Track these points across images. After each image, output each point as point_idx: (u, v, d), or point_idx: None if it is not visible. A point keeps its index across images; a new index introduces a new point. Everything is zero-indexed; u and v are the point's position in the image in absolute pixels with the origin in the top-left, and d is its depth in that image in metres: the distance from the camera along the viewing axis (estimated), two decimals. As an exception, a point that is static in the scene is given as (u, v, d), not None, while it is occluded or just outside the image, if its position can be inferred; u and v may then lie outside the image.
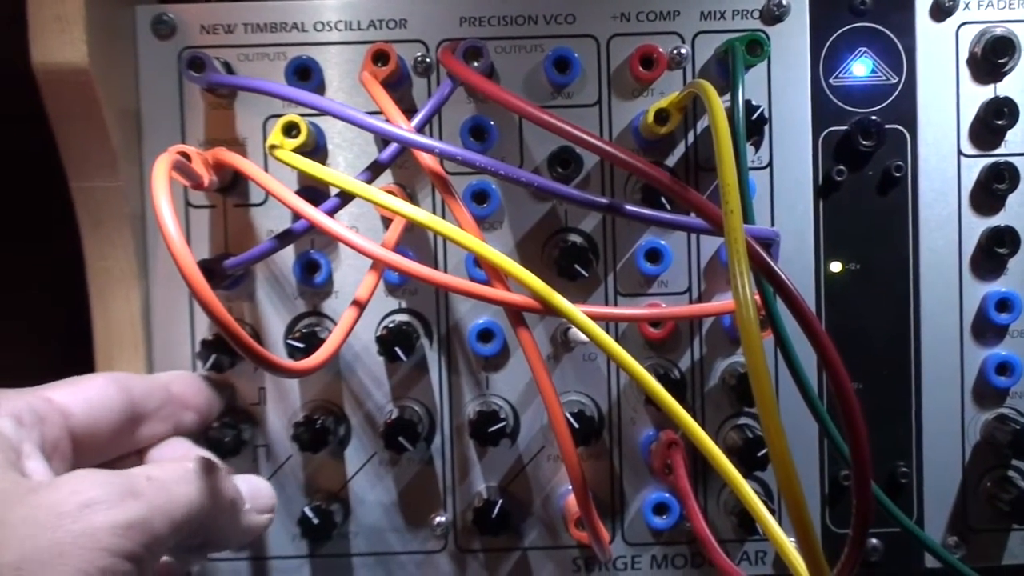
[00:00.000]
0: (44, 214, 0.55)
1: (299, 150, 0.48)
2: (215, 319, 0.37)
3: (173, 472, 0.39)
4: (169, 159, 0.42)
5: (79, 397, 0.43)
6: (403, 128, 0.46)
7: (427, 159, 0.48)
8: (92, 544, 0.33)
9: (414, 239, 0.53)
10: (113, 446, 0.45)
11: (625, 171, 0.52)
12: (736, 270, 0.35)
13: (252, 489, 0.46)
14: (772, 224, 0.53)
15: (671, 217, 0.46)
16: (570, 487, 0.51)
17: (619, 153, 0.43)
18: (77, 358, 0.51)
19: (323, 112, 0.47)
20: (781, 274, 0.39)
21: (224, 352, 0.51)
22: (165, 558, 0.45)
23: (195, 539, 0.40)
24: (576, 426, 0.50)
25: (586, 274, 0.51)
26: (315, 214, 0.44)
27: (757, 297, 0.45)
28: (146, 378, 0.49)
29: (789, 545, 0.45)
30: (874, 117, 0.52)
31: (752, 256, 0.39)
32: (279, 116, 0.49)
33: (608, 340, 0.45)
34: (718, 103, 0.42)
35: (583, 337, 0.46)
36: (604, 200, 0.46)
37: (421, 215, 0.44)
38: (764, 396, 0.33)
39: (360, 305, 0.48)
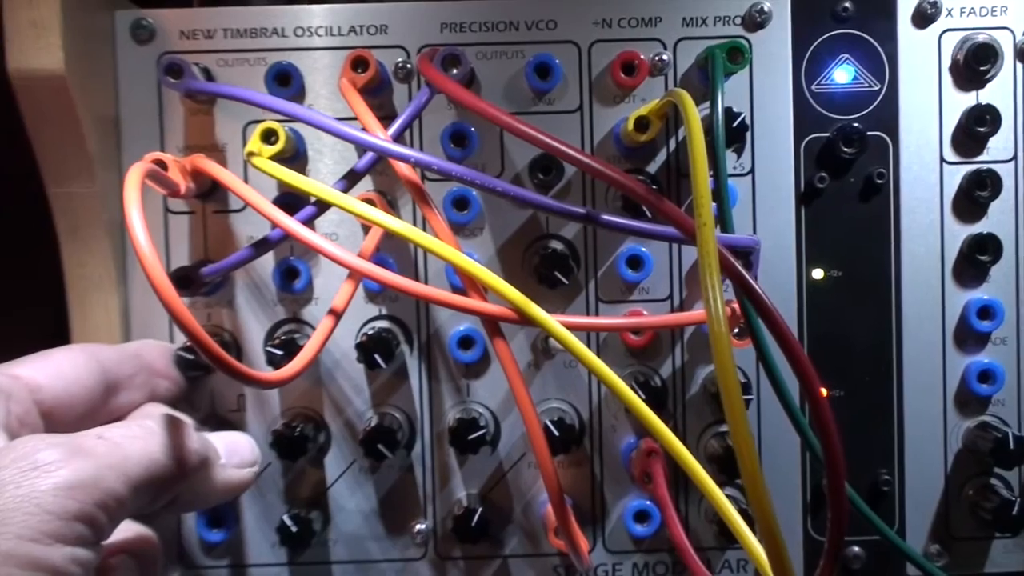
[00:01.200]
0: (23, 220, 0.55)
1: (278, 156, 0.48)
2: (186, 331, 0.37)
3: (127, 429, 0.38)
4: (142, 168, 0.41)
5: (48, 370, 0.42)
6: (379, 137, 0.46)
7: (404, 168, 0.48)
8: (34, 508, 0.32)
9: (395, 245, 0.52)
10: (88, 417, 0.44)
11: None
12: (708, 283, 0.35)
13: (229, 444, 0.45)
14: (754, 231, 0.53)
15: (647, 227, 0.46)
16: (550, 495, 0.51)
17: (594, 163, 0.43)
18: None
19: (298, 120, 0.47)
20: (754, 284, 0.38)
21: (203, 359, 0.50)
22: (142, 529, 0.43)
23: (162, 497, 0.39)
24: (556, 434, 0.49)
25: (566, 281, 0.50)
26: (291, 223, 0.44)
27: (736, 307, 0.45)
28: (116, 347, 0.48)
29: (764, 557, 0.45)
30: (856, 124, 0.52)
31: (726, 267, 0.39)
32: (259, 122, 0.49)
33: (585, 351, 0.45)
34: (694, 113, 0.41)
35: (562, 345, 0.46)
36: (581, 210, 0.46)
37: (397, 225, 0.44)
38: (734, 409, 0.33)
39: (336, 314, 0.48)
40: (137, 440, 0.38)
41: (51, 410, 0.42)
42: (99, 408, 0.44)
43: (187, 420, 0.43)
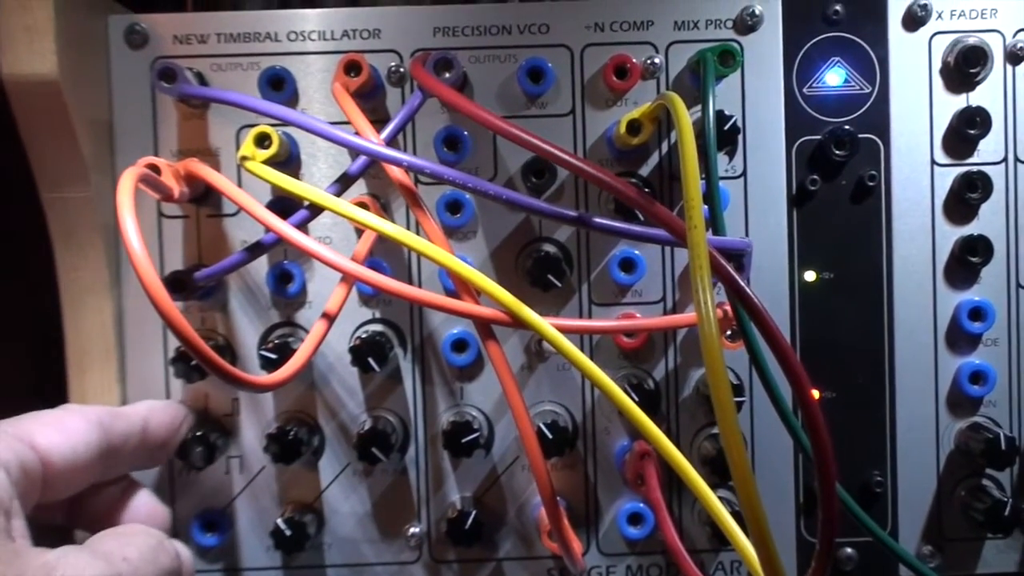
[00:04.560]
0: (17, 223, 0.55)
1: (272, 161, 0.48)
2: (179, 335, 0.37)
3: (141, 553, 0.41)
4: (135, 173, 0.42)
5: (63, 446, 0.42)
6: (372, 141, 0.46)
7: (397, 171, 0.48)
8: None
9: (389, 248, 0.53)
10: (74, 488, 0.44)
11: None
12: (698, 285, 0.35)
13: (185, 557, 0.46)
14: (746, 234, 0.53)
15: (639, 229, 0.46)
16: (543, 497, 0.51)
17: (585, 166, 0.43)
18: (49, 369, 0.51)
19: (291, 124, 0.47)
20: (744, 287, 0.39)
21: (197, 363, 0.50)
22: None
23: None
24: (549, 436, 0.50)
25: (559, 284, 0.51)
26: (284, 228, 0.44)
27: (728, 309, 0.46)
28: (126, 418, 0.47)
29: (756, 558, 0.45)
30: (847, 127, 0.52)
31: (717, 269, 0.39)
32: (252, 126, 0.49)
33: (577, 354, 0.45)
34: (685, 117, 0.42)
35: (556, 348, 0.46)
36: (573, 213, 0.46)
37: (389, 228, 0.44)
38: (724, 410, 0.33)
39: (329, 318, 0.48)
40: (149, 565, 0.41)
41: (50, 484, 0.42)
42: (87, 481, 0.45)
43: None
